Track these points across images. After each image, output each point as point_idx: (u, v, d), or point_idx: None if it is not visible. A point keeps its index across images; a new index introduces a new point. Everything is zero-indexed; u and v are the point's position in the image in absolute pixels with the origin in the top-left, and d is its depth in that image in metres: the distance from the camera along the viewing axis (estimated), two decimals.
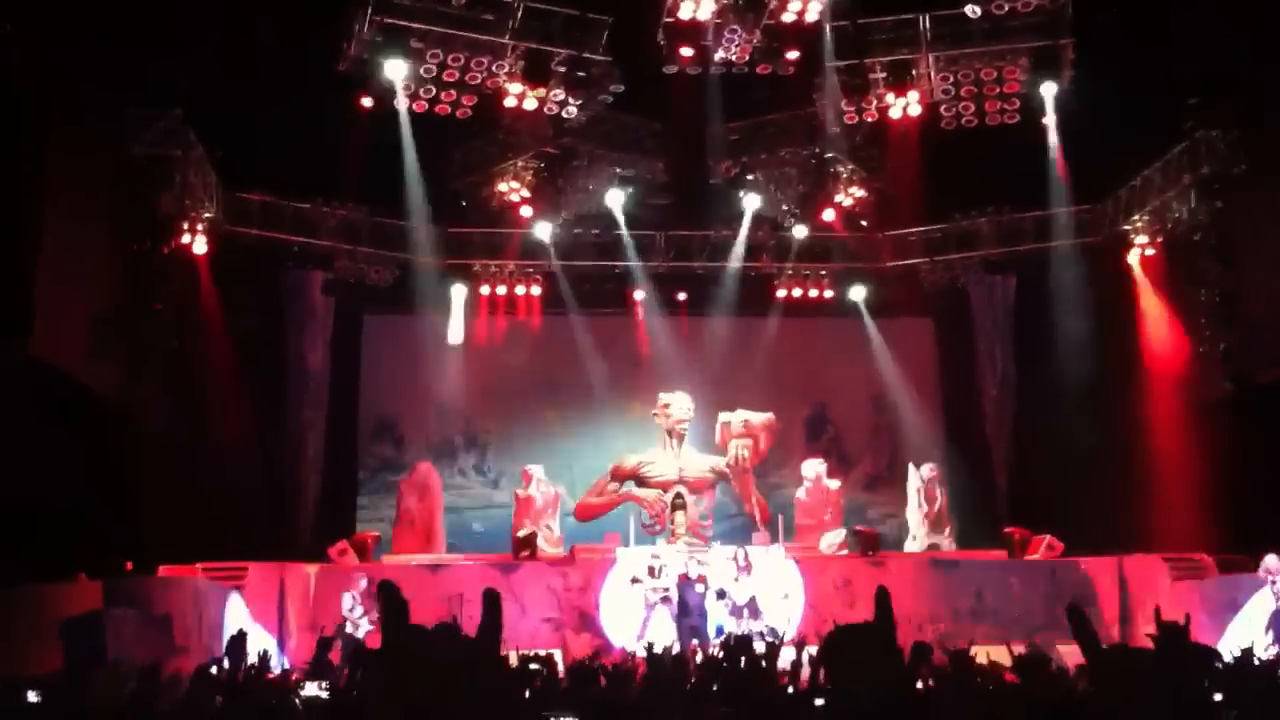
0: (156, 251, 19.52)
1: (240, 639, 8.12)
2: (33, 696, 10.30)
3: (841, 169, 22.97)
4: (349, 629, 17.44)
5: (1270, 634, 15.56)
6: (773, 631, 17.64)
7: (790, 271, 24.97)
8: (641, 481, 22.29)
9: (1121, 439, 21.50)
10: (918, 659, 6.63)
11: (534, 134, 21.81)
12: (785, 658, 8.96)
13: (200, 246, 20.65)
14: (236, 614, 17.63)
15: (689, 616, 18.10)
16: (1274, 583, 15.85)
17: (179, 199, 19.87)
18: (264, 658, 9.62)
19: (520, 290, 24.57)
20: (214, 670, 10.60)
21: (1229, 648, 14.20)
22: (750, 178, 23.52)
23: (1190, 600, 18.51)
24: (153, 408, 19.04)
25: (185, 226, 20.27)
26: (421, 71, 19.45)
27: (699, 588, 18.41)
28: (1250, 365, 19.72)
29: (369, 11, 18.66)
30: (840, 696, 4.50)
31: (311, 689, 9.31)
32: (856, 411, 25.65)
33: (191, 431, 19.98)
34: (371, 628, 17.41)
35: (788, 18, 18.95)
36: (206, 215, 20.86)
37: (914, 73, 20.29)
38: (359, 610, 17.58)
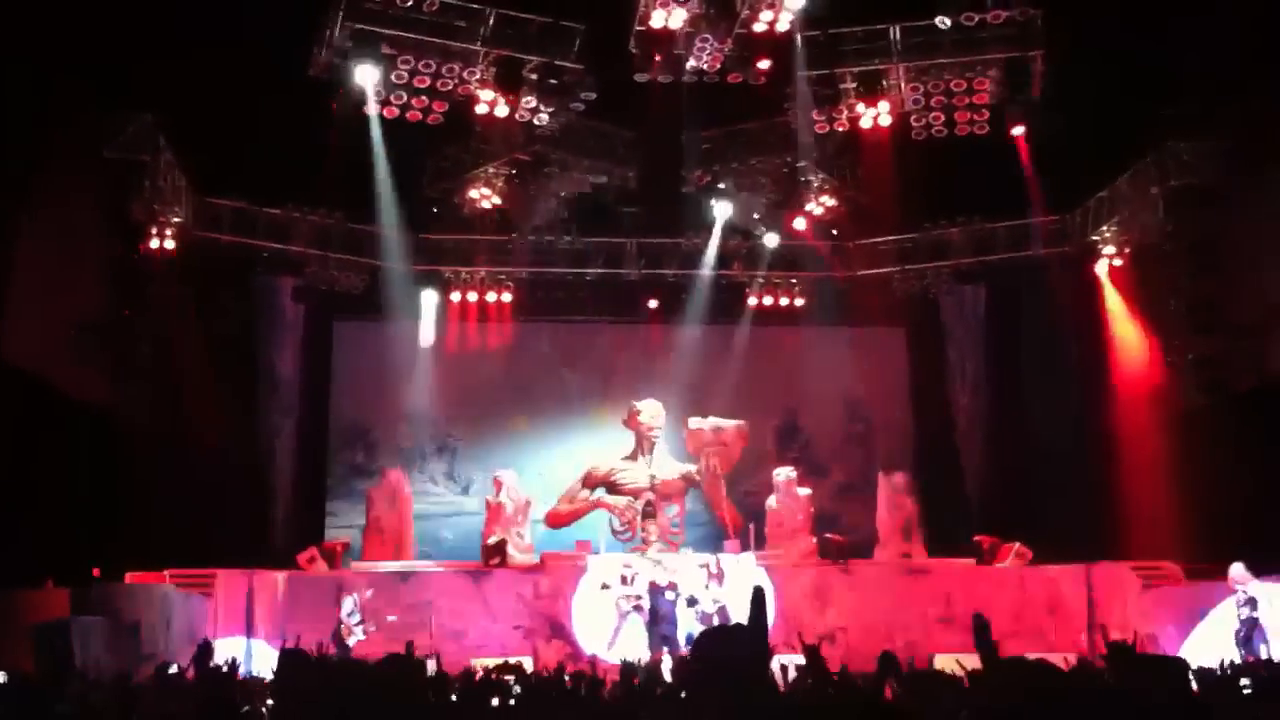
0: (128, 257, 19.44)
1: (207, 648, 8.09)
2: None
3: (813, 178, 23.04)
4: (342, 633, 17.33)
5: (1238, 642, 15.68)
6: None
7: (762, 280, 25.03)
8: (613, 489, 22.31)
9: (1091, 448, 21.64)
10: (885, 669, 6.63)
11: (506, 141, 21.79)
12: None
13: (170, 251, 20.55)
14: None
15: (660, 624, 18.09)
16: (1241, 591, 15.98)
17: (149, 204, 19.79)
18: (233, 664, 9.57)
19: (491, 297, 24.54)
20: (174, 669, 10.56)
21: (1195, 654, 14.34)
22: (722, 186, 23.57)
23: (1158, 609, 18.69)
24: (125, 413, 18.96)
25: (154, 231, 20.19)
26: (393, 77, 19.40)
27: (669, 595, 18.40)
28: (1229, 374, 19.86)
29: (340, 17, 18.61)
30: (700, 699, 4.47)
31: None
32: (828, 420, 25.70)
33: (161, 438, 19.88)
34: (364, 637, 17.34)
35: (759, 27, 18.99)
36: (176, 220, 20.78)
37: (885, 83, 20.36)
38: (357, 617, 17.47)
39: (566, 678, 9.77)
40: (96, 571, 17.10)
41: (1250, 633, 15.73)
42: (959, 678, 7.13)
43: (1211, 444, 19.06)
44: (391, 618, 17.93)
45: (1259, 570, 16.00)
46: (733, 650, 4.15)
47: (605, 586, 19.14)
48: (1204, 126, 20.04)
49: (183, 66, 18.10)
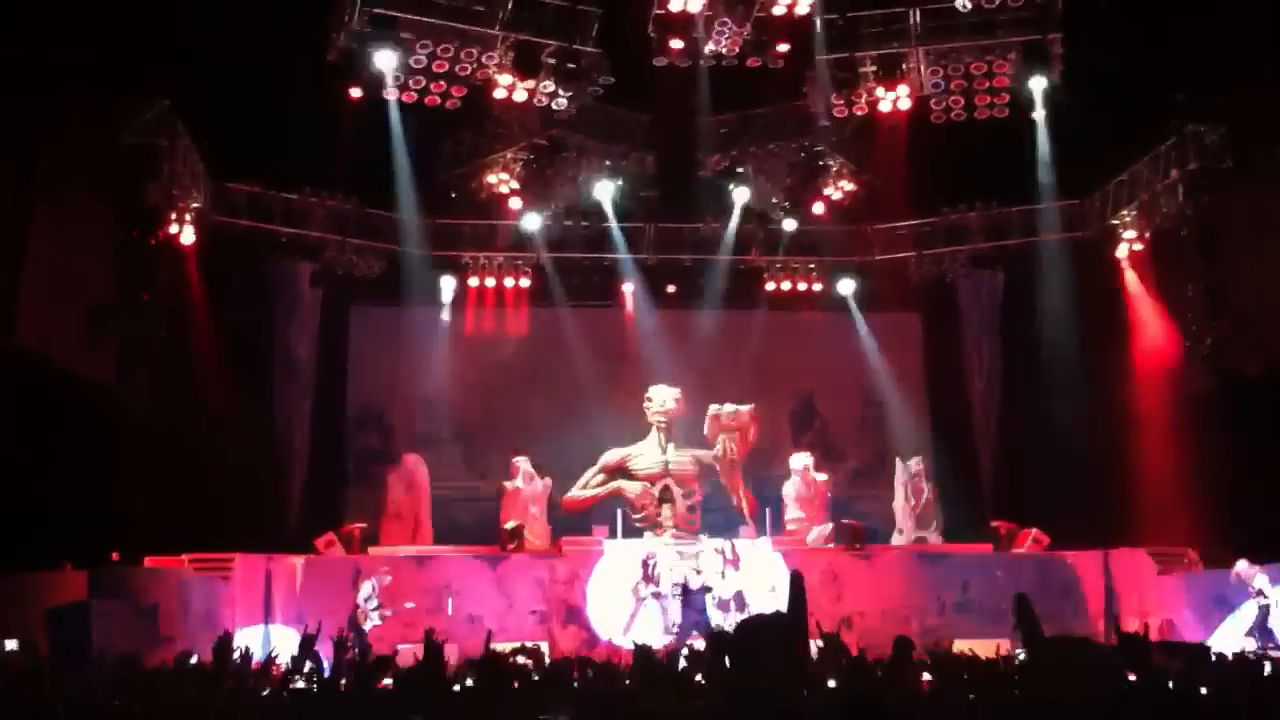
0: (144, 242, 19.47)
1: (226, 639, 8.14)
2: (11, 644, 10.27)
3: (831, 162, 23.01)
4: (359, 617, 17.36)
5: (1254, 632, 15.66)
6: None
7: (779, 265, 24.95)
8: (629, 474, 22.30)
9: (1108, 432, 21.55)
10: (901, 653, 6.64)
11: (523, 125, 21.76)
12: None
13: (188, 237, 20.59)
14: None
15: (694, 611, 18.03)
16: (1249, 585, 15.98)
17: (166, 189, 19.81)
18: (246, 654, 9.64)
19: (509, 282, 24.51)
20: (194, 659, 10.62)
21: (1218, 647, 14.34)
22: (739, 171, 23.52)
23: (1175, 594, 18.65)
24: (141, 398, 19.01)
25: (173, 217, 20.23)
26: (411, 62, 19.37)
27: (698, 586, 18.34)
28: (1238, 359, 19.78)
29: (359, 1, 18.59)
30: (733, 687, 4.43)
31: (299, 683, 9.32)
32: (844, 405, 25.65)
33: (179, 422, 19.93)
34: (381, 622, 17.40)
35: (778, 10, 18.94)
36: (194, 205, 20.81)
37: (904, 66, 20.27)
38: (374, 602, 17.50)
39: (588, 670, 9.74)
40: (115, 556, 17.17)
41: (1264, 621, 15.72)
42: (986, 662, 7.14)
43: (1226, 429, 18.98)
44: (409, 604, 17.99)
45: (1275, 556, 15.99)
46: (770, 637, 4.13)
47: (638, 593, 19.00)
48: (1219, 109, 19.94)
49: (199, 51, 18.11)
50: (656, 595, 18.70)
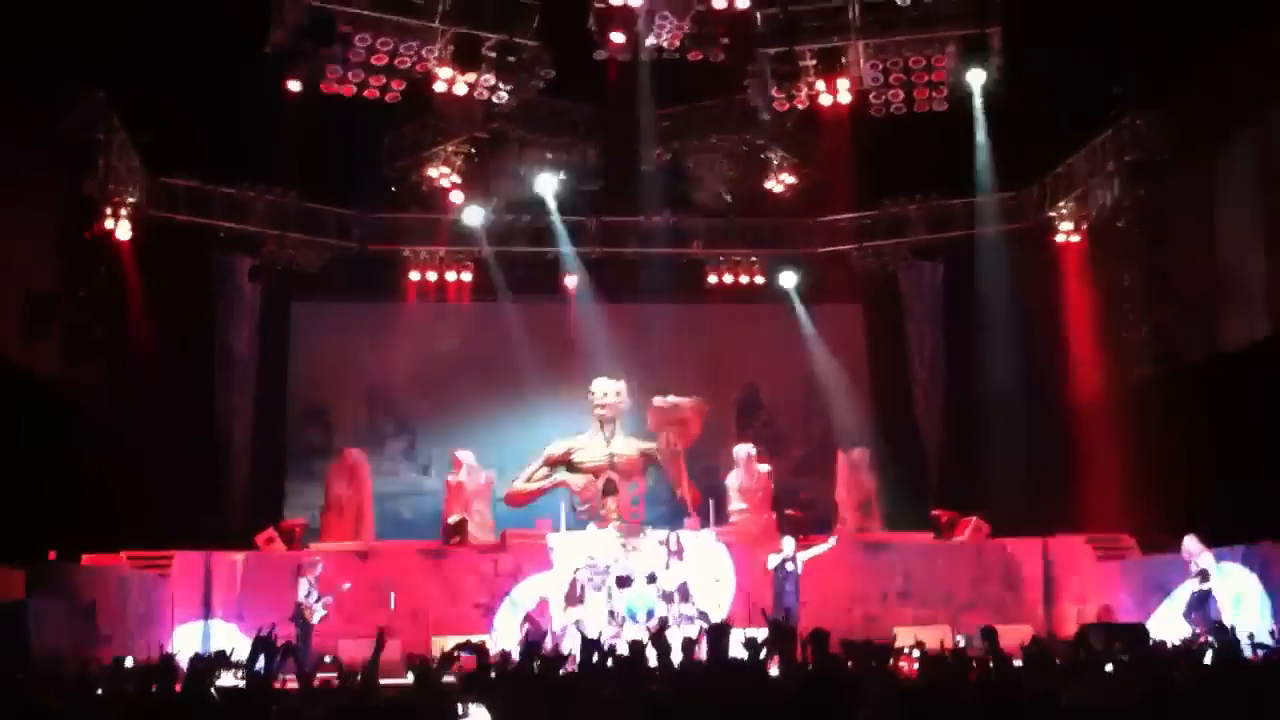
0: (81, 236, 19.24)
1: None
2: None
3: (773, 155, 23.09)
4: (306, 614, 17.18)
5: (1190, 614, 15.86)
6: (703, 615, 17.78)
7: (721, 257, 25.06)
8: (573, 467, 22.30)
9: (1047, 422, 21.80)
10: (817, 647, 6.65)
11: (465, 119, 21.67)
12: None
13: (124, 232, 20.38)
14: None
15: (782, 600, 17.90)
16: (1193, 564, 16.15)
17: (102, 183, 19.57)
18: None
19: (451, 276, 24.44)
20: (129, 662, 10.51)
21: (1158, 630, 14.57)
22: (682, 164, 23.54)
23: (1113, 580, 18.93)
24: (80, 394, 18.78)
25: (109, 211, 19.99)
26: (350, 55, 19.20)
27: (789, 566, 18.11)
28: (1181, 345, 20.03)
29: None
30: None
31: (227, 679, 9.24)
32: (787, 396, 25.77)
33: (118, 418, 19.72)
34: (325, 612, 17.24)
35: (719, 4, 18.94)
36: (130, 200, 20.59)
37: (844, 60, 20.28)
38: (314, 595, 17.33)
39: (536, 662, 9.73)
40: (52, 554, 16.92)
41: (1203, 604, 15.90)
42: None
43: (1164, 416, 19.23)
44: (345, 585, 17.81)
45: (1210, 542, 16.18)
46: None
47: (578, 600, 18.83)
48: (1157, 99, 20.18)
49: (135, 42, 17.88)
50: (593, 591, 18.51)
